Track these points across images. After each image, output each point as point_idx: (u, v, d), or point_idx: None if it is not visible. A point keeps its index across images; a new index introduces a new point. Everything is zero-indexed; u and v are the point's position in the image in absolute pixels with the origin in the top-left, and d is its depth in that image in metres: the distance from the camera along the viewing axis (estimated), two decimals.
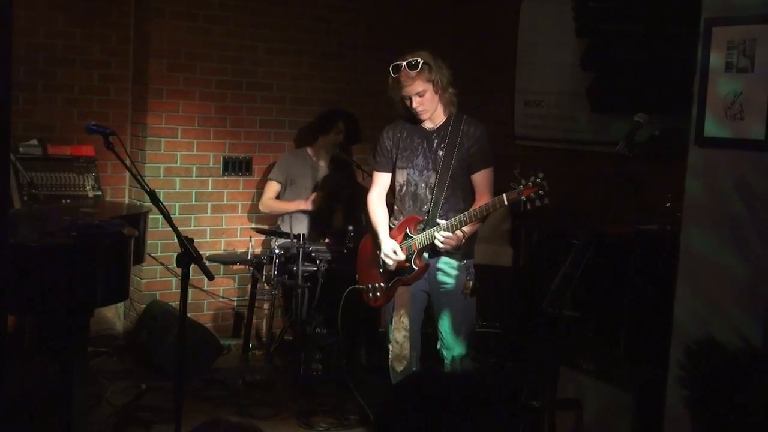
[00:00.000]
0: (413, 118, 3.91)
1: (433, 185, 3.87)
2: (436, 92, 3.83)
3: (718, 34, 3.22)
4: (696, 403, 1.68)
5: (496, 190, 3.80)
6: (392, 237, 3.94)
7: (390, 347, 4.02)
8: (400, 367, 4.00)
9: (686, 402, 1.70)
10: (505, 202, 3.58)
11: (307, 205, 5.39)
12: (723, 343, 1.73)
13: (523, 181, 3.52)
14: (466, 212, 3.71)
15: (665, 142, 4.39)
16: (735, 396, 1.63)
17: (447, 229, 3.71)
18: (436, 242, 3.73)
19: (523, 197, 3.52)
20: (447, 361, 3.94)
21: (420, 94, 3.80)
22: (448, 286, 3.90)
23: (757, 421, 1.61)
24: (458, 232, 3.73)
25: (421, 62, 3.77)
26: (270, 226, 5.64)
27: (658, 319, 3.69)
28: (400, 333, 3.98)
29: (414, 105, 3.81)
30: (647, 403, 3.61)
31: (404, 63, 3.78)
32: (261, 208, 5.62)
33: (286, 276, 5.07)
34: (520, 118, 6.15)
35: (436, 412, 1.50)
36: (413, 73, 3.76)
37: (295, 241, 4.93)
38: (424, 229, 3.85)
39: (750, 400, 1.62)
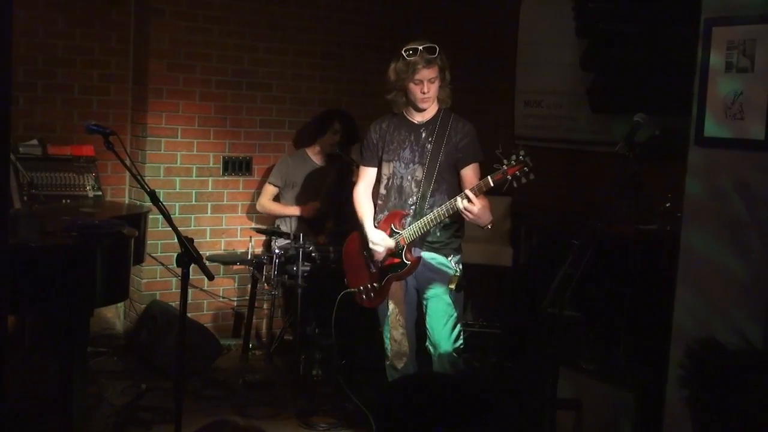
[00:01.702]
0: (413, 107, 3.89)
1: (419, 179, 3.87)
2: (441, 83, 3.84)
3: (718, 34, 3.22)
4: (696, 403, 1.68)
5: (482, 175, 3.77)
6: None
7: (388, 346, 4.02)
8: (400, 365, 4.00)
9: (686, 402, 1.70)
10: (491, 184, 3.56)
11: (301, 213, 5.40)
12: (723, 343, 1.73)
13: (505, 161, 3.52)
14: (454, 198, 3.68)
15: (665, 142, 4.39)
16: (735, 396, 1.63)
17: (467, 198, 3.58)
18: (458, 204, 3.59)
19: (509, 176, 3.51)
20: (434, 358, 3.94)
21: (431, 81, 3.80)
22: (435, 282, 3.90)
23: (757, 422, 1.61)
24: (482, 200, 3.60)
25: (438, 49, 3.79)
26: (270, 226, 5.64)
27: (658, 319, 3.69)
28: (397, 331, 3.98)
29: (424, 90, 3.80)
30: (647, 403, 3.61)
31: (421, 47, 3.78)
32: (258, 208, 5.65)
33: (286, 276, 5.07)
34: (520, 118, 6.15)
35: (432, 413, 1.50)
36: (431, 57, 3.77)
37: (294, 241, 4.93)
38: (410, 223, 3.84)
39: (750, 400, 1.62)
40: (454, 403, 1.52)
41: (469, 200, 3.57)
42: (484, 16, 6.38)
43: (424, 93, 3.81)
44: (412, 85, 3.82)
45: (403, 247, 3.85)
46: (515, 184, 3.52)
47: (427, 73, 3.78)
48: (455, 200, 3.63)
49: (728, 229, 3.20)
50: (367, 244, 3.94)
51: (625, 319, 4.43)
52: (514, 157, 3.51)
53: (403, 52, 3.80)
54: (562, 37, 5.64)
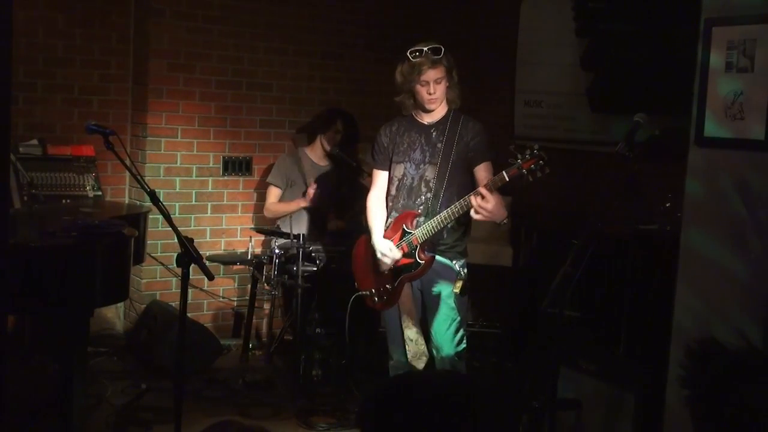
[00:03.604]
0: (421, 108, 3.89)
1: (429, 179, 3.86)
2: (448, 82, 3.84)
3: (718, 34, 3.22)
4: (696, 403, 1.68)
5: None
6: (388, 236, 3.92)
7: (406, 347, 3.96)
8: (421, 365, 3.97)
9: (686, 402, 1.70)
10: (506, 179, 3.54)
11: (305, 203, 5.39)
12: (723, 343, 1.73)
13: (519, 156, 3.52)
14: (468, 195, 3.66)
15: (665, 142, 4.39)
16: (735, 396, 1.63)
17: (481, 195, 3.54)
18: (473, 201, 3.56)
19: (524, 170, 3.50)
20: (437, 361, 3.93)
21: (438, 81, 3.79)
22: (440, 285, 3.89)
23: (758, 422, 1.60)
24: (496, 195, 3.57)
25: (443, 49, 3.78)
26: (270, 226, 5.64)
27: (658, 319, 3.69)
28: (412, 330, 3.95)
29: (431, 91, 3.79)
30: (647, 403, 3.61)
31: (426, 48, 3.77)
32: (265, 213, 5.62)
33: (286, 276, 5.07)
34: (520, 118, 6.15)
35: (419, 416, 1.49)
36: (437, 57, 3.76)
37: (295, 241, 4.93)
38: (422, 223, 3.83)
39: (750, 400, 1.62)
40: (434, 406, 1.50)
41: (483, 197, 3.53)
42: (484, 16, 6.38)
43: (430, 94, 3.80)
44: (418, 87, 3.81)
45: (416, 246, 3.83)
46: (531, 178, 3.51)
47: (432, 74, 3.77)
48: (469, 197, 3.60)
49: (728, 229, 3.20)
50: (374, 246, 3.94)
51: (625, 319, 4.43)
52: (528, 151, 3.51)
53: (408, 54, 3.79)
54: (562, 37, 5.64)
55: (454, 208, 3.68)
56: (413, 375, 1.70)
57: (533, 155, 3.50)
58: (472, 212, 3.58)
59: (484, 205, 3.53)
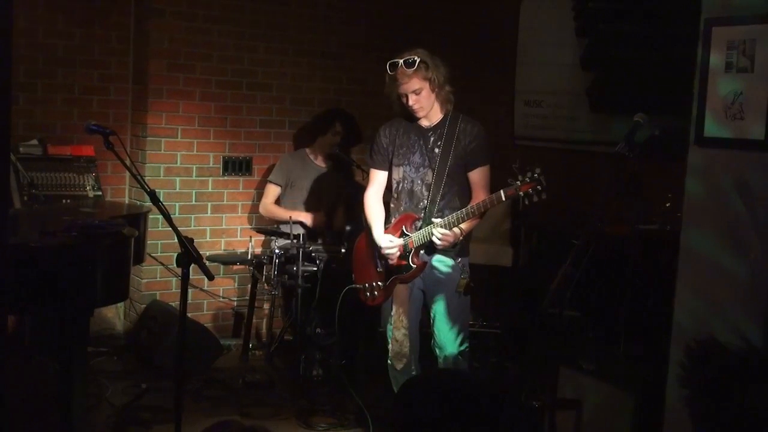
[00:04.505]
0: (410, 116, 3.92)
1: (429, 182, 3.87)
2: (432, 90, 3.83)
3: (718, 34, 3.21)
4: (696, 403, 1.68)
5: (495, 187, 3.78)
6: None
7: (389, 346, 4.01)
8: (399, 365, 3.99)
9: (686, 402, 1.70)
10: (503, 199, 3.58)
11: (306, 219, 5.37)
12: (723, 343, 1.74)
13: (520, 177, 3.53)
14: (463, 209, 3.71)
15: (665, 142, 4.39)
16: (735, 396, 1.63)
17: (444, 226, 3.71)
18: (434, 239, 3.72)
19: (521, 193, 3.52)
20: (440, 360, 3.94)
21: (416, 92, 3.80)
22: (442, 284, 3.90)
23: (757, 421, 1.61)
24: (455, 229, 3.73)
25: (418, 60, 3.76)
26: (270, 226, 5.64)
27: (658, 319, 3.69)
28: (399, 331, 3.98)
29: (410, 103, 3.81)
30: (647, 403, 3.61)
31: (401, 61, 3.78)
32: (261, 211, 5.62)
33: (286, 276, 5.07)
34: (520, 118, 6.15)
35: (458, 410, 1.50)
36: (410, 71, 3.76)
37: (295, 241, 4.93)
38: (420, 227, 3.85)
39: (750, 400, 1.62)
40: (469, 399, 1.52)
41: (442, 237, 3.69)
42: (484, 16, 6.38)
43: (411, 105, 3.82)
44: (401, 98, 3.84)
45: (411, 250, 3.85)
46: (526, 202, 3.53)
47: (409, 86, 3.78)
48: (433, 230, 3.72)
49: (728, 229, 3.20)
50: (376, 242, 3.95)
51: (625, 319, 4.43)
52: (529, 174, 3.52)
53: (387, 66, 3.82)
54: (562, 37, 5.64)
55: (426, 232, 3.79)
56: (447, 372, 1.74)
57: (533, 179, 3.51)
58: (434, 239, 3.74)
59: (443, 244, 3.73)
